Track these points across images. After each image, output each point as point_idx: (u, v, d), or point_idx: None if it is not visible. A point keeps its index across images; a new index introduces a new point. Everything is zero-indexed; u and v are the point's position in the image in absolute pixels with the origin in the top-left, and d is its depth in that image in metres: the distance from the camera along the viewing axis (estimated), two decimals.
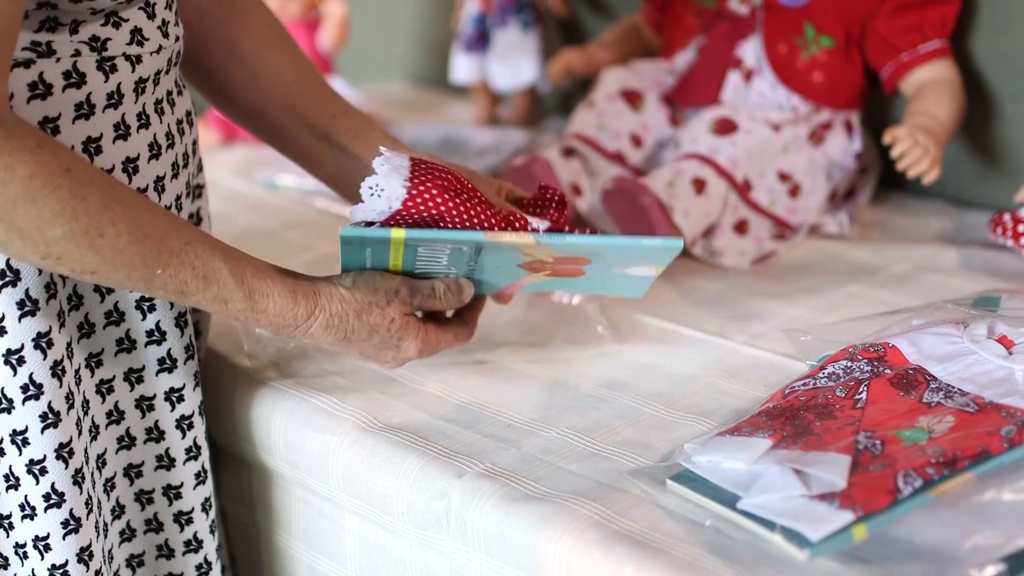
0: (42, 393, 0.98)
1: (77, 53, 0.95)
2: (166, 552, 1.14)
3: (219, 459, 1.25)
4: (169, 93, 1.06)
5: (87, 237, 0.89)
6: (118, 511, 1.10)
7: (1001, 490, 0.91)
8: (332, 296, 1.05)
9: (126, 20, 0.98)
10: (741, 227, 1.44)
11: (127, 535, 1.12)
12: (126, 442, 1.09)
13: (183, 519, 1.13)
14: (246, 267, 1.01)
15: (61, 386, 0.99)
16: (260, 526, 1.25)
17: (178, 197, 1.07)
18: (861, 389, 1.02)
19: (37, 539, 1.01)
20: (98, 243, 0.90)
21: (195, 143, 1.13)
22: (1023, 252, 1.33)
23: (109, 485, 1.09)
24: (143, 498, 1.11)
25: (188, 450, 1.11)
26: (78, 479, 1.01)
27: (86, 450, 1.03)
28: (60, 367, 0.99)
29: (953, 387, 1.02)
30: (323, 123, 1.18)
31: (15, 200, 0.86)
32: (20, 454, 0.99)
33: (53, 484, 1.00)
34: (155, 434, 1.10)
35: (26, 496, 1.00)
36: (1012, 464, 0.93)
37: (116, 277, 0.93)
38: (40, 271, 0.97)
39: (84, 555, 1.02)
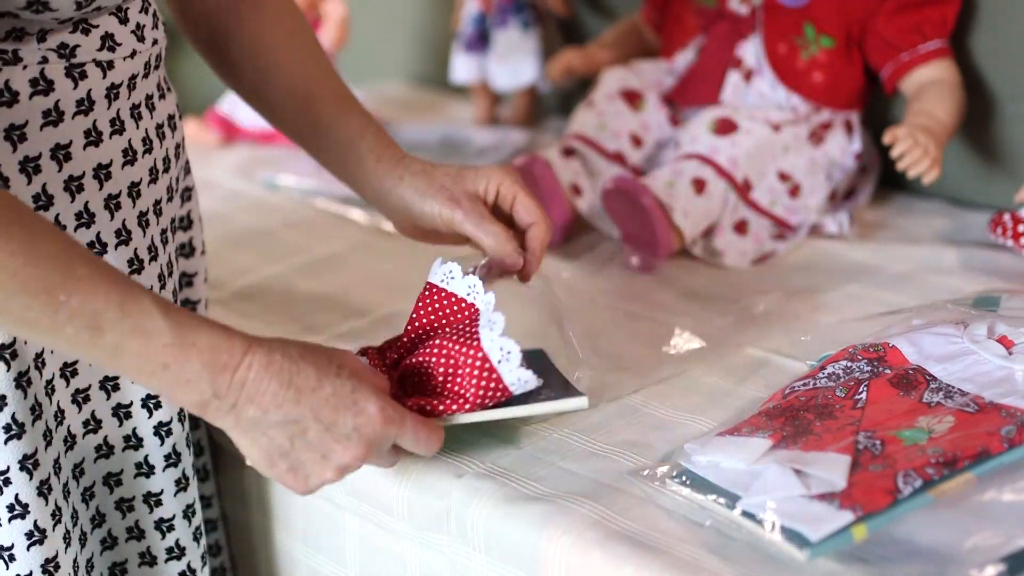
0: (5, 405, 0.97)
1: (44, 60, 0.94)
2: (148, 560, 1.13)
3: (220, 459, 1.25)
4: (149, 97, 1.04)
5: None
6: (98, 520, 1.09)
7: (1001, 490, 0.91)
8: (269, 339, 0.94)
9: (96, 26, 0.97)
10: (741, 227, 1.44)
11: (109, 543, 1.11)
12: (104, 451, 1.08)
13: (164, 526, 1.12)
14: (169, 303, 0.90)
15: (26, 397, 0.98)
16: (261, 527, 1.25)
17: (157, 202, 1.06)
18: (861, 389, 1.02)
19: (2, 549, 0.99)
20: None
21: (179, 146, 1.12)
22: (1023, 252, 1.33)
23: (88, 494, 1.08)
24: (123, 506, 1.10)
25: (167, 457, 1.10)
26: (44, 490, 1.00)
27: (58, 460, 1.02)
28: (26, 378, 0.98)
29: (953, 387, 1.02)
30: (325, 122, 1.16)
31: None
32: None
33: (17, 495, 0.98)
34: (133, 442, 1.09)
35: None
36: (1012, 464, 0.93)
37: (14, 307, 0.85)
38: None
39: (49, 566, 1.01)
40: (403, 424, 0.95)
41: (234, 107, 1.93)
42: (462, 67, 1.94)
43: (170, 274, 1.09)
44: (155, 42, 1.04)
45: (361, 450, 0.94)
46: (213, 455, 1.23)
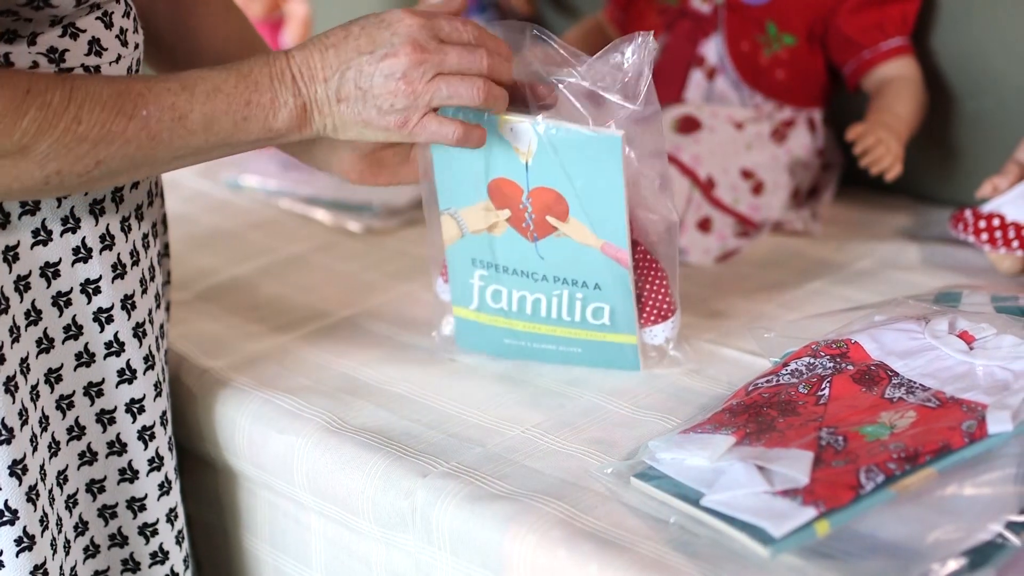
0: None
1: (35, 64, 0.94)
2: (132, 566, 1.12)
3: (183, 462, 1.24)
4: None
5: (69, 134, 0.90)
6: (81, 527, 1.09)
7: (962, 485, 0.91)
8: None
9: (83, 31, 0.97)
10: (705, 225, 1.44)
11: (91, 551, 1.10)
12: (88, 457, 1.07)
13: (148, 531, 1.12)
14: (208, 68, 0.99)
15: (14, 402, 0.97)
16: (225, 528, 1.25)
17: (138, 207, 1.06)
18: (824, 385, 1.03)
19: None
20: (81, 131, 0.90)
21: None
22: (984, 248, 1.34)
23: (71, 502, 1.07)
24: (106, 513, 1.10)
25: (151, 461, 1.10)
26: (32, 496, 0.99)
27: (43, 467, 1.02)
28: (13, 383, 0.97)
29: (915, 383, 1.02)
30: None
31: None
32: None
33: (6, 501, 0.98)
34: (117, 447, 1.08)
35: None
36: (973, 459, 0.93)
37: (117, 150, 0.93)
38: None
39: (38, 573, 1.00)
40: (440, 32, 0.99)
41: None
42: None
43: (152, 278, 1.09)
44: (136, 46, 1.04)
45: (409, 47, 0.98)
46: (178, 457, 1.23)
